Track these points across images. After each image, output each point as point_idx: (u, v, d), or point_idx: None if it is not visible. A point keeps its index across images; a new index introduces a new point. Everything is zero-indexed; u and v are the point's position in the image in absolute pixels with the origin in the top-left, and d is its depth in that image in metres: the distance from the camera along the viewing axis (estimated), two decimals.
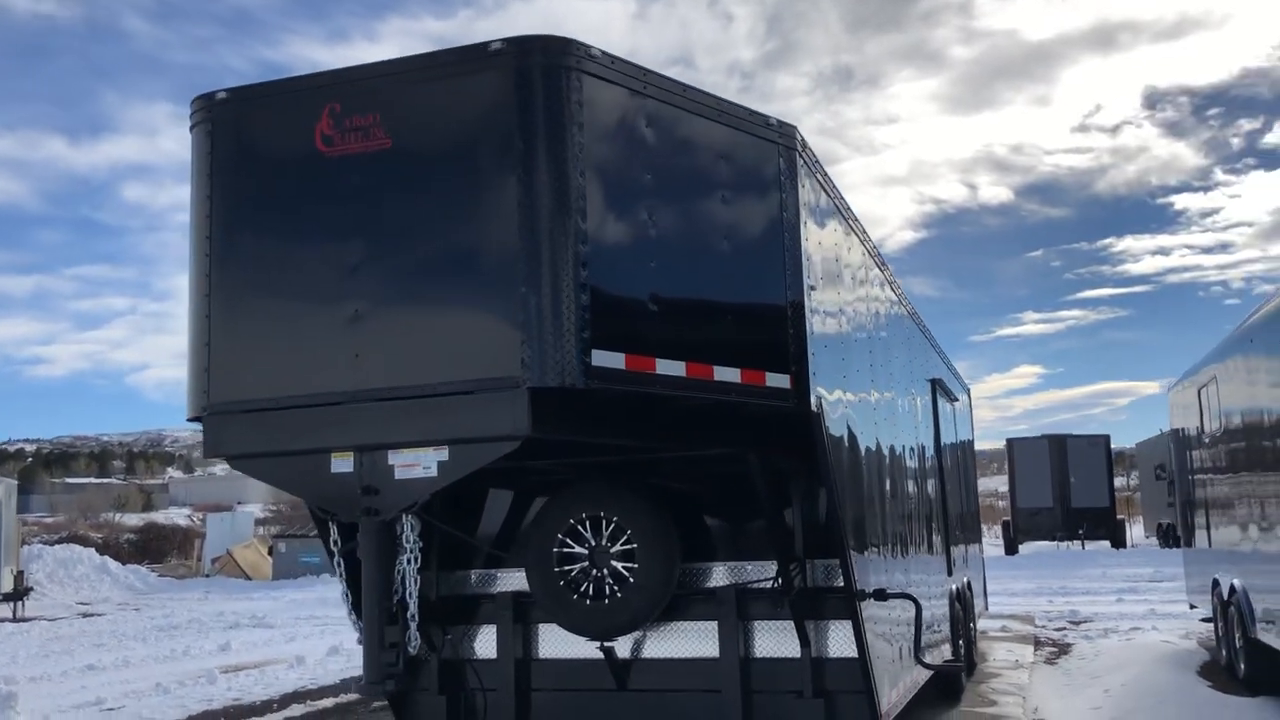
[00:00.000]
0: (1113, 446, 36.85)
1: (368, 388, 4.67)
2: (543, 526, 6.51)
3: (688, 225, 5.05)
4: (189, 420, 5.12)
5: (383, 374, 4.67)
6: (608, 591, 6.32)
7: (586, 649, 6.67)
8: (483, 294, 4.57)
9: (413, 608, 5.00)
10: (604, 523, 6.37)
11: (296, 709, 11.22)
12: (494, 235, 4.57)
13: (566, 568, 6.41)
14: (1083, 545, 34.96)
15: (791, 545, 6.19)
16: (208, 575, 36.30)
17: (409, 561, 4.93)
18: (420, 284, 4.71)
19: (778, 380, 5.17)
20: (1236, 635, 10.62)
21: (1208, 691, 10.21)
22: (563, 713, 6.74)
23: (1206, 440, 11.61)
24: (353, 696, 12.00)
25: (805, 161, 5.59)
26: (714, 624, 6.44)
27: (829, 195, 6.17)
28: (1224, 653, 11.38)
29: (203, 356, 5.03)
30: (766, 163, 5.34)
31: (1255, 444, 9.78)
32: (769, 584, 6.30)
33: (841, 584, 6.18)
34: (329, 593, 29.12)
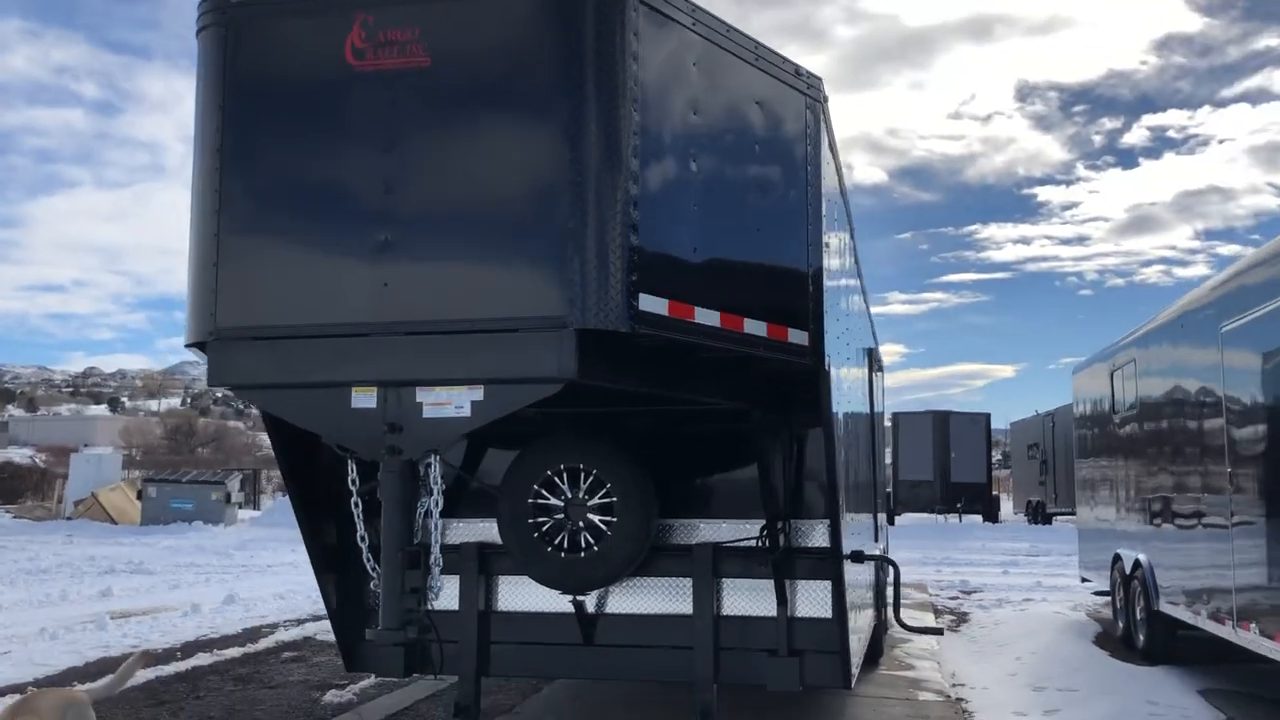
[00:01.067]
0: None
1: (397, 320, 4.42)
2: (517, 477, 6.33)
3: (725, 173, 4.93)
4: (188, 346, 4.77)
5: (414, 306, 4.42)
6: (584, 545, 6.20)
7: (552, 602, 6.54)
8: (526, 228, 4.36)
9: (436, 552, 4.79)
10: (582, 474, 6.23)
11: (204, 658, 10.77)
12: (542, 167, 4.36)
13: (540, 520, 6.26)
14: (960, 518, 36.32)
15: (777, 504, 6.15)
16: (69, 518, 34.61)
17: (435, 504, 4.71)
18: (458, 214, 4.46)
19: (798, 337, 5.11)
20: (1138, 608, 11.13)
21: (1111, 661, 10.68)
22: (526, 666, 6.60)
23: (1118, 421, 12.08)
24: (262, 646, 11.61)
25: (825, 117, 5.51)
26: (687, 580, 6.37)
27: (834, 155, 6.12)
28: (1120, 624, 11.92)
29: (209, 277, 4.67)
30: (795, 114, 5.25)
31: (1172, 426, 10.22)
32: (752, 542, 6.27)
33: (823, 545, 6.20)
34: (206, 540, 28.14)
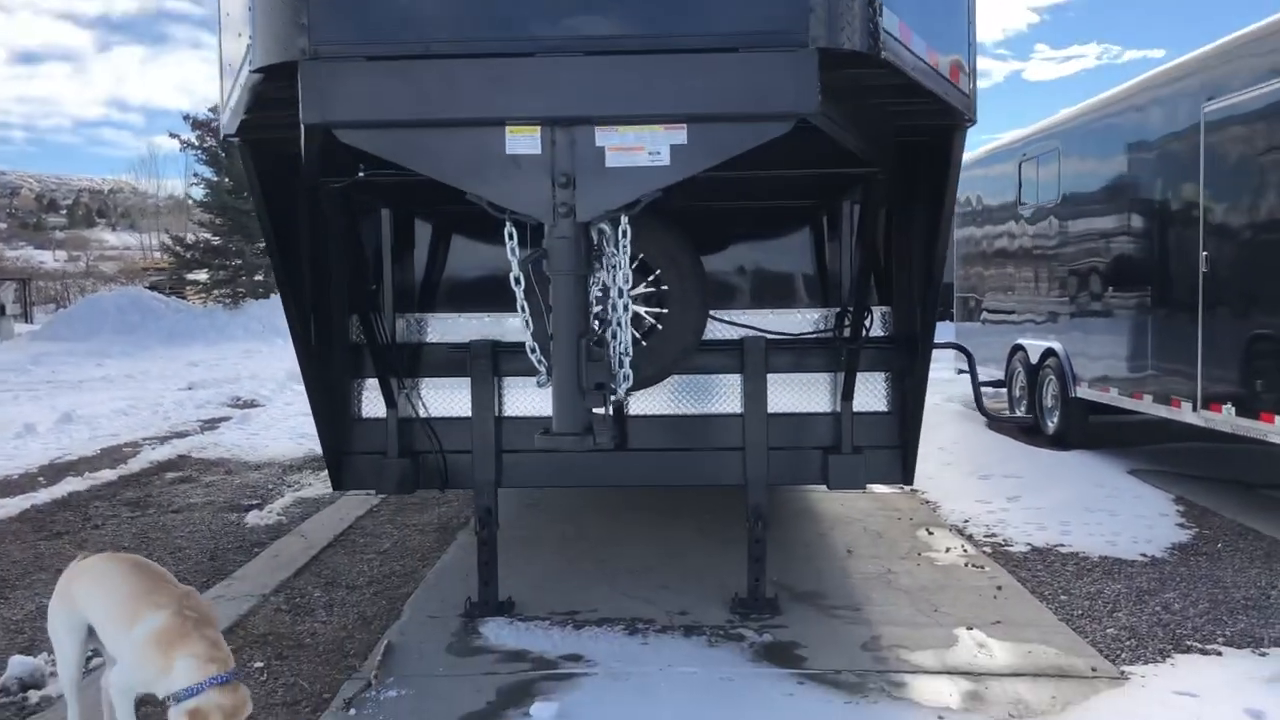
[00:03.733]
0: None
1: (567, 35, 3.37)
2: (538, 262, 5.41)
3: None
4: (257, 71, 3.51)
5: (590, 16, 3.38)
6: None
7: None
8: None
9: (625, 339, 3.88)
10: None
11: (76, 482, 9.47)
12: None
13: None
14: None
15: (864, 289, 5.51)
16: None
17: (623, 280, 3.78)
18: None
19: (965, 85, 4.35)
20: (1049, 396, 11.37)
21: (1030, 448, 10.90)
22: (547, 475, 5.87)
23: (1028, 215, 12.03)
24: (136, 468, 10.34)
25: None
26: (732, 378, 5.73)
27: None
28: (1018, 413, 12.23)
29: None
30: None
31: (1113, 216, 10.19)
32: (824, 333, 5.66)
33: (889, 334, 5.67)
34: None
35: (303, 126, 3.55)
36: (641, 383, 5.49)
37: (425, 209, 5.75)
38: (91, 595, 3.73)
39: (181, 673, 3.49)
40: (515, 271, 3.76)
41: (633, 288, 5.38)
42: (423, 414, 5.76)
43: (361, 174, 4.50)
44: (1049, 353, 11.30)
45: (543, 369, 3.83)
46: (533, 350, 3.95)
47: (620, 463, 5.76)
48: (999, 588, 6.15)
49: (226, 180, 31.56)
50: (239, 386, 17.46)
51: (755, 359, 5.60)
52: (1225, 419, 7.82)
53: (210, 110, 31.81)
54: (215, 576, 6.56)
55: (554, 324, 3.66)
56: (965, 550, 6.99)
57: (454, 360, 5.75)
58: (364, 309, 5.43)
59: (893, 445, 5.72)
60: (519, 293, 3.76)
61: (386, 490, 5.82)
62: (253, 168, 4.68)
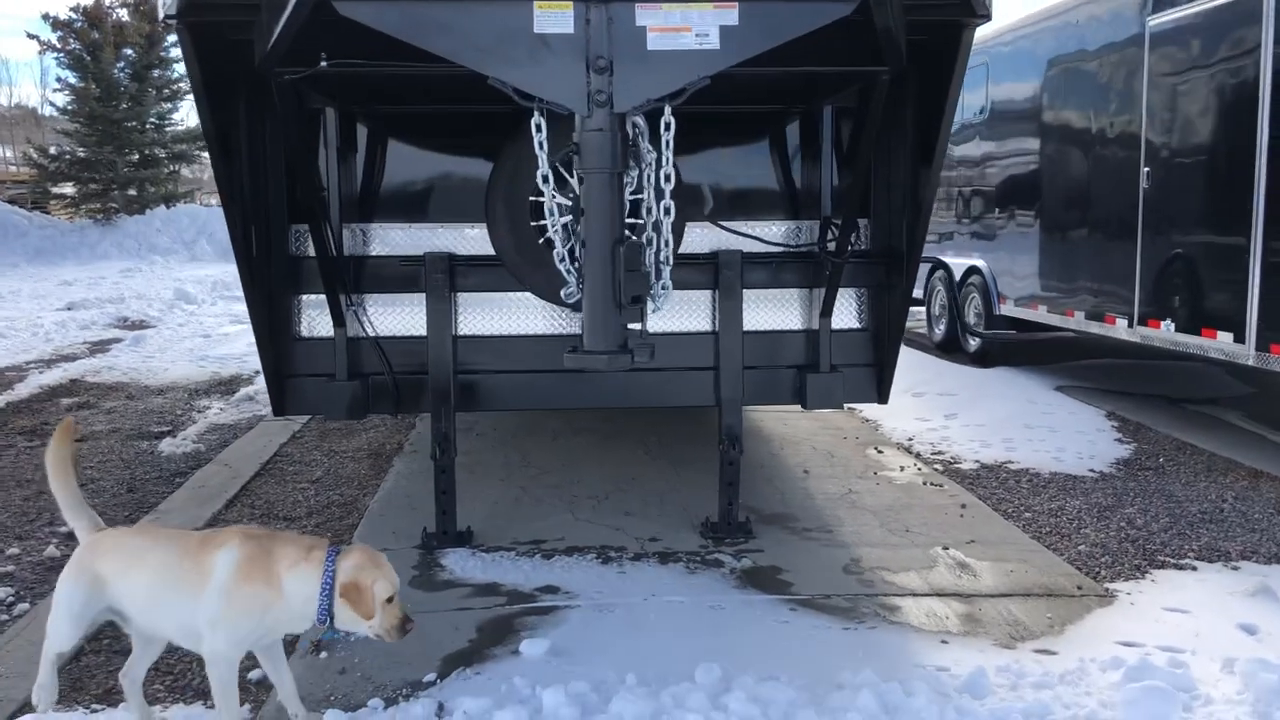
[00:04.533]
0: None
1: None
2: (511, 169, 5.01)
3: None
4: None
5: None
6: None
7: (535, 322, 5.45)
8: None
9: (664, 249, 3.49)
10: None
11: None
12: None
13: (545, 223, 5.05)
14: None
15: (835, 203, 5.25)
16: None
17: (662, 179, 3.37)
18: None
19: None
20: (971, 313, 11.42)
21: (955, 365, 10.95)
22: (508, 398, 5.52)
23: (953, 133, 11.93)
24: (25, 393, 9.59)
25: None
26: (707, 294, 5.44)
27: None
28: (940, 330, 12.26)
29: None
30: None
31: (1023, 138, 10.15)
32: (805, 247, 5.39)
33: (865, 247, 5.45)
34: None
35: None
36: None
37: (384, 108, 5.25)
38: (128, 574, 3.21)
39: (298, 582, 3.08)
40: (543, 169, 3.34)
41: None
42: (373, 333, 5.34)
43: (324, 63, 4.03)
44: (973, 270, 11.31)
45: (572, 279, 3.43)
46: (561, 259, 3.51)
47: (587, 383, 5.45)
48: (963, 506, 6.09)
49: (94, 87, 29.48)
50: (125, 307, 16.44)
51: (731, 274, 5.33)
52: (1164, 335, 7.89)
53: (74, 9, 29.57)
54: (138, 510, 6.07)
55: (585, 229, 3.29)
56: (919, 469, 6.93)
57: (406, 275, 5.33)
58: (310, 218, 4.96)
59: (869, 363, 5.54)
60: (547, 192, 3.35)
61: (335, 416, 5.41)
62: (193, 55, 4.14)
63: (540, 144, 3.33)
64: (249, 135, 4.80)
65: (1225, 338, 7.14)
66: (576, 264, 3.28)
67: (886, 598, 4.67)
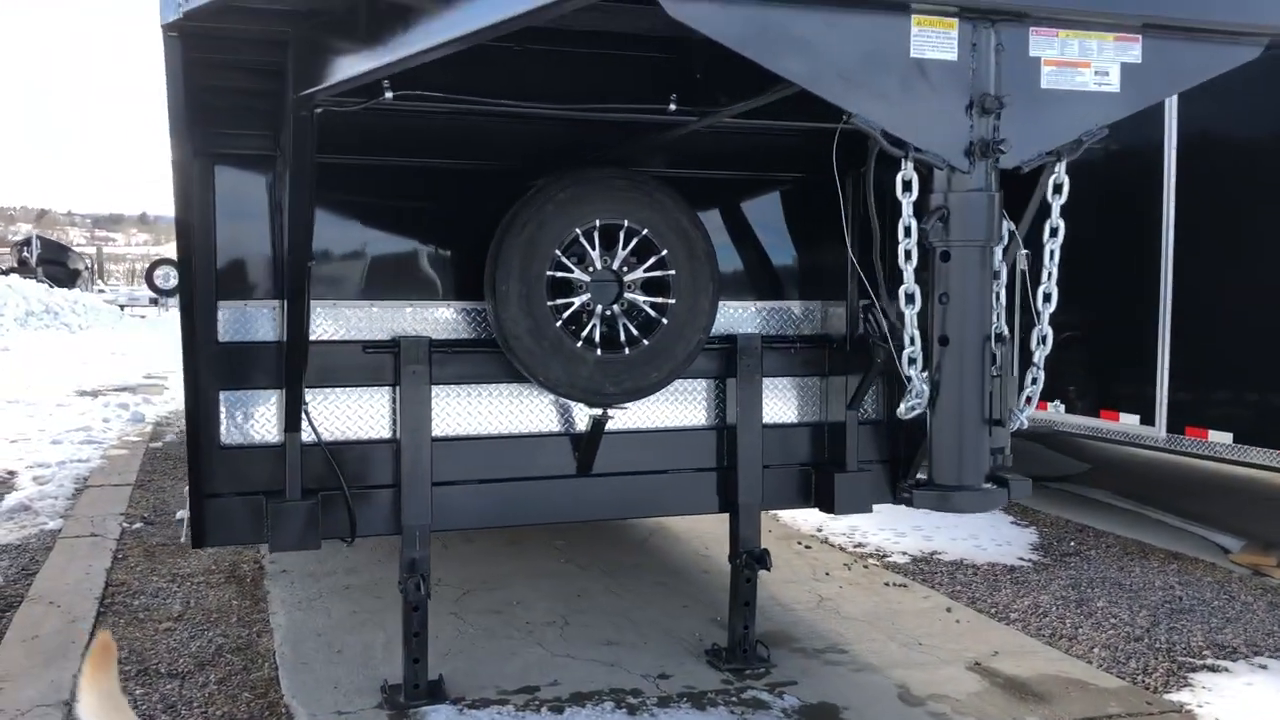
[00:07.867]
0: None
1: None
2: (529, 236, 4.11)
3: None
4: None
5: None
6: (624, 337, 4.27)
7: (524, 420, 4.50)
8: None
9: (1038, 348, 2.56)
10: (624, 235, 4.23)
11: None
12: None
13: (561, 302, 4.17)
14: None
15: (868, 281, 4.67)
16: None
17: (1049, 254, 2.49)
18: None
19: None
20: None
21: None
22: (493, 512, 4.49)
23: None
24: None
25: None
26: (703, 383, 4.69)
27: None
28: None
29: None
30: None
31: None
32: (792, 331, 4.78)
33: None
34: None
35: None
36: (645, 390, 4.37)
37: (354, 159, 4.18)
38: None
39: None
40: (908, 243, 2.48)
41: (628, 271, 4.27)
42: (326, 437, 4.21)
43: (388, 94, 3.04)
44: None
45: (925, 386, 2.50)
46: (912, 361, 2.56)
47: (582, 491, 4.58)
48: (948, 609, 5.67)
49: None
50: None
51: (751, 361, 4.66)
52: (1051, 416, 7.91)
53: None
54: None
55: (948, 320, 2.48)
56: (865, 566, 6.48)
57: (367, 365, 4.26)
58: (294, 295, 3.83)
59: (886, 459, 5.00)
60: (907, 273, 2.48)
61: (281, 547, 4.16)
62: (180, 70, 3.01)
63: (911, 208, 2.47)
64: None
65: (1131, 420, 7.20)
66: (923, 369, 2.45)
67: None
